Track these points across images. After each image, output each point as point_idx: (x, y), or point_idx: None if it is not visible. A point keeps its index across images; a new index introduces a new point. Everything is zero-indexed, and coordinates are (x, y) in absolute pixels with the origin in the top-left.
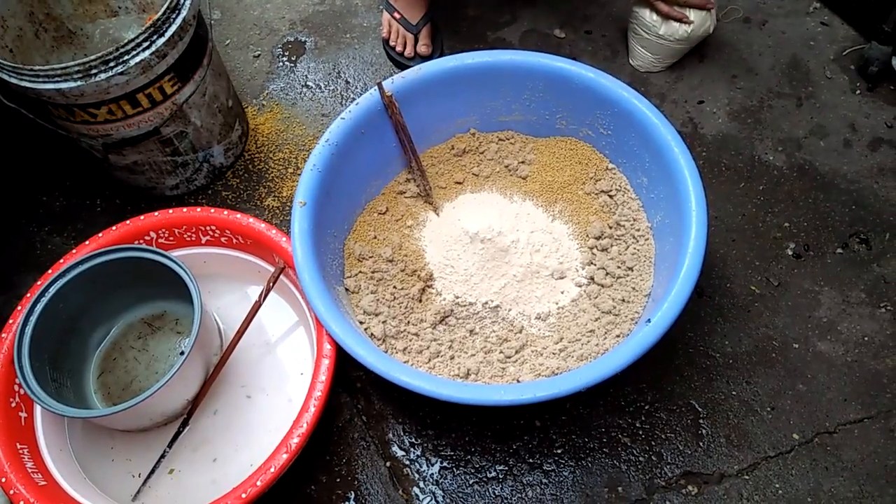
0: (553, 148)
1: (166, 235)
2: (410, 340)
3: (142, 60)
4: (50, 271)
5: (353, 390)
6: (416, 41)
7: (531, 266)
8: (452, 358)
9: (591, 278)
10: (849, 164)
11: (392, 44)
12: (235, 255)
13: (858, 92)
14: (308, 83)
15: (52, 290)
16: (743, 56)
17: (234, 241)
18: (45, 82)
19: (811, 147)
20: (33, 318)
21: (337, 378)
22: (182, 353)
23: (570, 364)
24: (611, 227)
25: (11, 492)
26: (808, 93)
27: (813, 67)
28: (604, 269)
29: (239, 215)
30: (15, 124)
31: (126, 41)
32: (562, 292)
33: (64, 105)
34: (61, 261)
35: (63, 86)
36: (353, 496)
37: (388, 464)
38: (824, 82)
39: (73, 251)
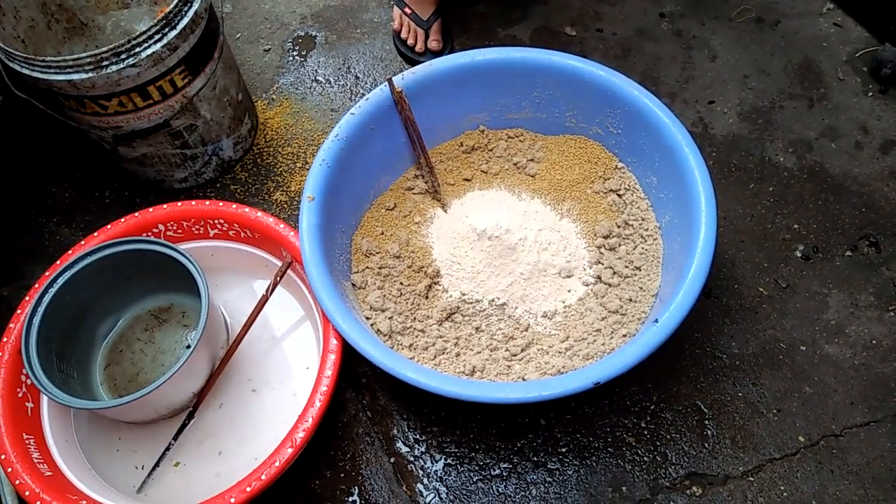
0: (562, 146)
1: (174, 228)
2: (416, 337)
3: (153, 53)
4: (58, 262)
5: (358, 386)
6: (427, 36)
7: (538, 264)
8: (458, 355)
9: (599, 277)
10: (860, 166)
11: (403, 37)
12: (243, 248)
13: (871, 94)
14: (318, 78)
15: (61, 282)
16: (755, 56)
17: (242, 234)
18: (56, 73)
19: (822, 149)
20: (41, 309)
21: (342, 373)
22: (188, 346)
23: (576, 363)
24: (619, 227)
25: (17, 482)
26: (820, 94)
27: (825, 69)
28: (611, 268)
29: (247, 209)
30: (25, 115)
31: (138, 33)
32: (569, 291)
33: (75, 96)
34: (70, 252)
35: (74, 77)
36: (357, 491)
37: (392, 460)
38: (836, 84)
39: (82, 242)
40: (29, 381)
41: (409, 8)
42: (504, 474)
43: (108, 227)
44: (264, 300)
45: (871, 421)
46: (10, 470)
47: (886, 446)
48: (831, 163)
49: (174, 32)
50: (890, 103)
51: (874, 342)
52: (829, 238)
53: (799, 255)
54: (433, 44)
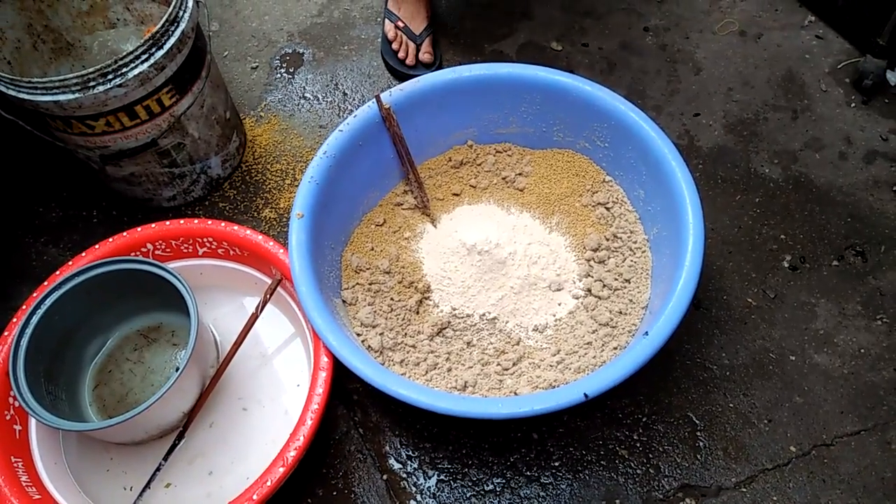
0: (550, 160)
1: (163, 247)
2: (408, 352)
3: (140, 73)
4: (46, 283)
5: (349, 403)
6: (419, 50)
7: (528, 278)
8: (450, 370)
9: (589, 290)
10: (844, 176)
11: (395, 48)
12: (232, 266)
13: (853, 105)
14: (306, 95)
15: (48, 302)
16: (739, 69)
17: (231, 252)
18: (43, 94)
19: (807, 160)
20: (29, 330)
21: (334, 390)
22: (178, 368)
23: (568, 376)
24: (608, 239)
25: None
26: (804, 106)
27: (808, 80)
28: (601, 281)
29: (236, 227)
30: (12, 136)
31: (124, 53)
32: (559, 304)
33: (62, 117)
34: (57, 272)
35: (61, 98)
36: None
37: (385, 477)
38: (819, 95)
39: (70, 263)
40: (17, 404)
41: (402, 22)
42: (497, 489)
43: (96, 246)
44: (254, 318)
45: (862, 430)
46: None
47: (877, 455)
48: (816, 173)
49: (161, 52)
50: (872, 114)
51: (862, 351)
52: (816, 248)
53: (786, 265)
54: (425, 56)
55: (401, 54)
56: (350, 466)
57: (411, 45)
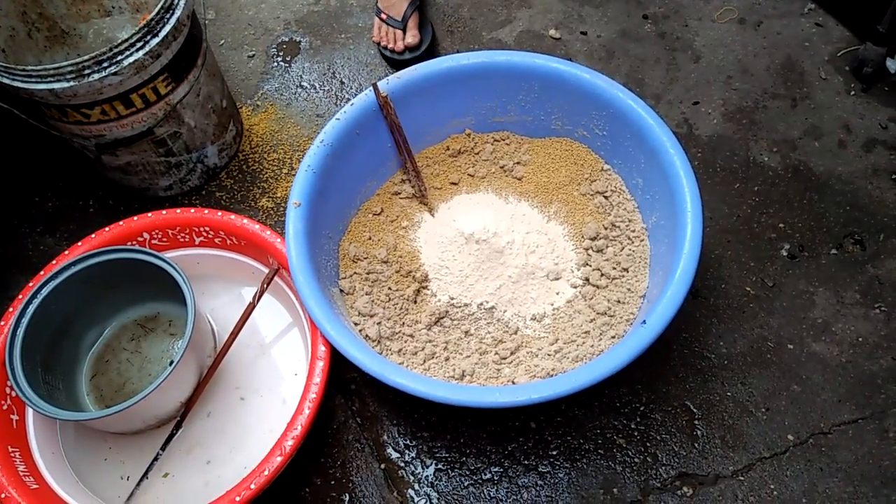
0: (548, 149)
1: (160, 236)
2: (405, 342)
3: (135, 61)
4: (42, 272)
5: (347, 392)
6: (405, 35)
7: (526, 267)
8: (447, 359)
9: (587, 279)
10: (843, 165)
11: (383, 45)
12: (229, 256)
13: (853, 93)
14: (303, 83)
15: (45, 292)
16: (738, 57)
17: (228, 242)
18: (37, 82)
19: (806, 148)
20: (25, 320)
21: (331, 380)
22: (173, 359)
23: (566, 365)
24: (606, 228)
25: (3, 495)
26: (803, 94)
27: (808, 68)
28: (599, 270)
29: (233, 216)
30: (7, 124)
31: (120, 41)
32: (557, 293)
33: (57, 105)
34: (53, 262)
35: (56, 86)
36: (347, 498)
37: (382, 466)
38: (819, 83)
39: (66, 252)
40: (13, 394)
41: (385, 13)
42: (495, 478)
43: (93, 236)
44: (251, 307)
45: (859, 418)
46: None
47: (874, 443)
48: (815, 162)
49: (156, 40)
50: (872, 102)
51: (860, 339)
52: (815, 236)
53: (785, 253)
54: (410, 39)
55: (390, 46)
56: (348, 455)
57: (397, 33)
